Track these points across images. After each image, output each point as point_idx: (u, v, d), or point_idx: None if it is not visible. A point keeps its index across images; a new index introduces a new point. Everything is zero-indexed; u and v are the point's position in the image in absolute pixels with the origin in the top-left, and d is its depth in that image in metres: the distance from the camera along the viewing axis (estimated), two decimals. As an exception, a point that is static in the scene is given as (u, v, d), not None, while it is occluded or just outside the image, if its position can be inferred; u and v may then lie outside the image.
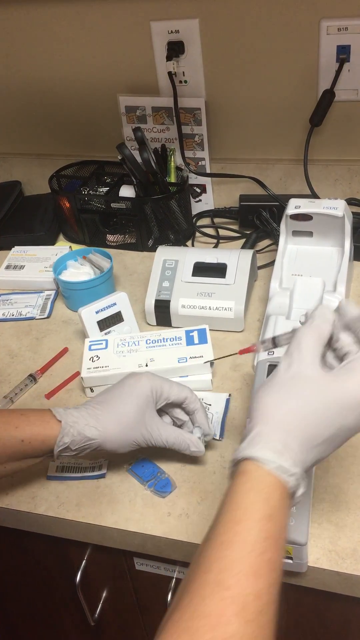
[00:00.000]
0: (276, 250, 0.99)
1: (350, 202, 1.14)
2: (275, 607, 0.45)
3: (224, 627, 0.42)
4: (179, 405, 0.76)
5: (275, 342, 0.64)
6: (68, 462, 0.79)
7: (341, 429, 0.51)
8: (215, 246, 1.19)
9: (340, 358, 0.55)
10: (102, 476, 0.77)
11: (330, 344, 0.56)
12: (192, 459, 0.77)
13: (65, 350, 0.98)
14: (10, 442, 0.67)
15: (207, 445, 0.78)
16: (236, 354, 0.71)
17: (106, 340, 0.89)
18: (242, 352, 0.68)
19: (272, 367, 0.79)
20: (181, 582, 0.48)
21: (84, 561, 0.83)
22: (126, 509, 0.73)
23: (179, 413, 0.76)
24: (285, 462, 0.49)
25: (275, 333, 0.69)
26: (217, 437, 0.80)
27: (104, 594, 0.90)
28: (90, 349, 0.89)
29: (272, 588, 0.45)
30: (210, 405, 0.84)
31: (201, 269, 0.99)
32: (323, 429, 0.51)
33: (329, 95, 1.06)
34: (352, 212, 0.99)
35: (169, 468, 0.76)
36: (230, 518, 0.48)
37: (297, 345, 0.55)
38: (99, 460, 0.78)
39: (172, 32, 1.09)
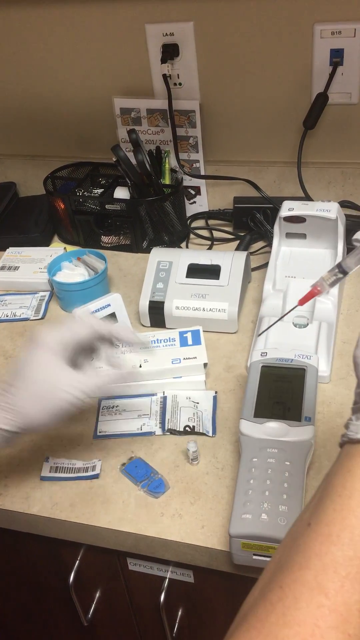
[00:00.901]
0: (270, 252, 1.00)
1: (343, 204, 1.14)
2: None
3: None
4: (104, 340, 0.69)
5: (343, 269, 0.54)
6: (62, 462, 0.79)
7: None
8: (210, 248, 1.19)
9: None
10: (96, 477, 0.77)
11: None
12: (186, 460, 0.77)
13: (59, 351, 0.98)
14: None
15: (201, 446, 0.78)
16: (296, 307, 0.62)
17: (100, 341, 0.90)
18: (302, 301, 0.58)
19: (265, 369, 0.79)
20: (270, 561, 0.42)
21: (78, 561, 0.83)
22: (119, 510, 0.73)
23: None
24: None
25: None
26: (210, 434, 0.80)
27: (97, 594, 0.91)
28: (84, 350, 0.89)
29: None
30: (198, 403, 0.84)
31: (195, 271, 1.00)
32: None
33: (322, 99, 1.07)
34: (345, 215, 1.00)
35: (163, 469, 0.77)
36: (341, 506, 0.40)
37: None
38: (92, 460, 0.79)
39: (166, 34, 1.09)
